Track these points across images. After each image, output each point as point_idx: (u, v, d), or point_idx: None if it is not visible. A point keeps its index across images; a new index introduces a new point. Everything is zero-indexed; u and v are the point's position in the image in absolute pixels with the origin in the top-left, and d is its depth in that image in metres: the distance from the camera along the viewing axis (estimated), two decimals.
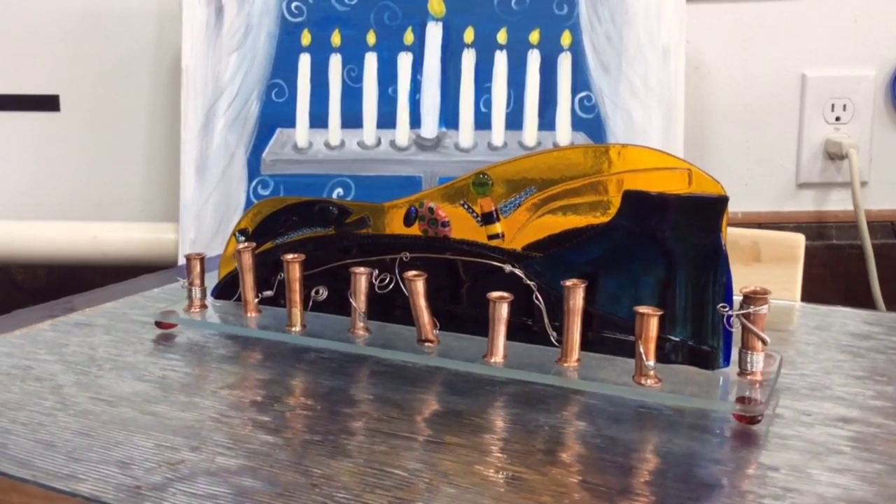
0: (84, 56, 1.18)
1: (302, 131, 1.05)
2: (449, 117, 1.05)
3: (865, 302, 1.09)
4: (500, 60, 1.04)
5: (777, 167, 1.17)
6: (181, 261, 1.03)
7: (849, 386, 0.45)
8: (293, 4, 1.05)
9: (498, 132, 1.04)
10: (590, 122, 1.04)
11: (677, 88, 1.03)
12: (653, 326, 0.42)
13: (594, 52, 1.04)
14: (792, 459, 0.37)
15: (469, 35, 1.05)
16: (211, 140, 1.04)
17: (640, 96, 1.03)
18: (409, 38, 1.05)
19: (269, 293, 0.53)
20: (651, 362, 0.42)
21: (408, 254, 0.50)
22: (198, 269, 0.54)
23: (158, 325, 0.54)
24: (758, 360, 0.42)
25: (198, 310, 0.55)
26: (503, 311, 0.45)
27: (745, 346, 0.42)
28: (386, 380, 0.46)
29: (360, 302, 0.50)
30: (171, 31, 1.15)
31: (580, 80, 1.04)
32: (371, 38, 1.05)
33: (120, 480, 0.35)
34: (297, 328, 0.51)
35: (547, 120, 1.04)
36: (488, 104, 1.04)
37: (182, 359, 0.50)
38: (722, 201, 0.43)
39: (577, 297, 0.44)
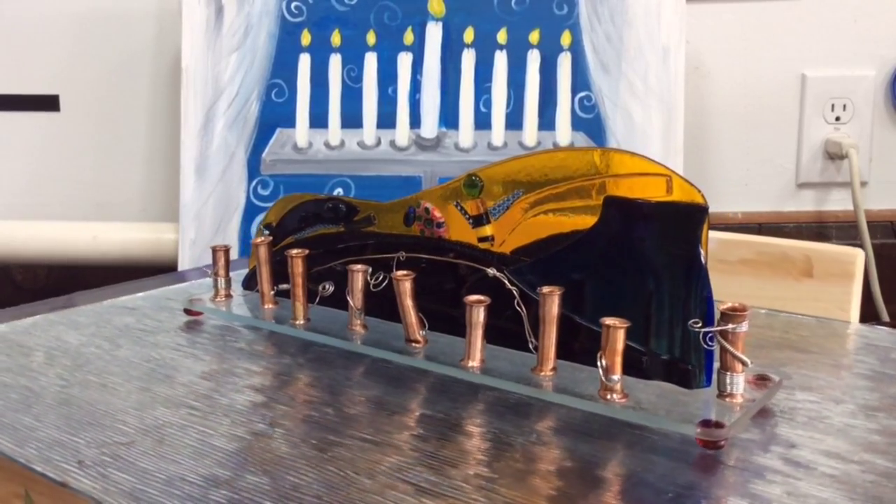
0: (84, 56, 1.18)
1: (302, 131, 1.05)
2: (449, 117, 1.05)
3: (865, 302, 1.09)
4: (500, 60, 1.04)
5: (777, 167, 1.17)
6: (181, 261, 1.03)
7: (855, 418, 0.42)
8: (293, 4, 1.05)
9: (498, 132, 1.04)
10: (590, 122, 1.04)
11: (677, 88, 1.03)
12: (618, 339, 0.40)
13: (594, 52, 1.04)
14: (741, 490, 0.34)
15: (469, 35, 1.05)
16: (211, 140, 1.04)
17: (640, 96, 1.03)
18: (409, 38, 1.05)
19: (285, 286, 0.54)
20: (616, 377, 0.40)
21: (404, 253, 0.50)
22: (222, 260, 0.56)
23: (187, 311, 0.57)
24: (738, 382, 0.40)
25: (222, 299, 0.56)
26: (479, 315, 0.44)
27: (724, 367, 0.40)
28: (368, 377, 0.47)
29: (356, 299, 0.50)
30: (171, 31, 1.15)
31: (580, 80, 1.04)
32: (371, 38, 1.05)
33: None
34: (300, 321, 0.52)
35: (547, 120, 1.04)
36: (488, 104, 1.04)
37: (188, 343, 0.52)
38: (700, 210, 0.41)
39: (552, 305, 0.42)
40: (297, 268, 0.52)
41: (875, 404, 0.43)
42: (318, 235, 0.55)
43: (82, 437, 0.39)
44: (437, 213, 0.48)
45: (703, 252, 0.41)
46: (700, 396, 0.41)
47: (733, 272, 0.57)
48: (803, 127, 1.15)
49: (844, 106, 1.14)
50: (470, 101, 1.04)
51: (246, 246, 1.03)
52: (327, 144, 1.05)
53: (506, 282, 0.45)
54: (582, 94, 1.04)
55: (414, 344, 0.48)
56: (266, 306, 0.55)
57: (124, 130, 1.19)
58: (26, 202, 1.21)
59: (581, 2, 1.04)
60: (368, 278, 0.50)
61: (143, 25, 1.17)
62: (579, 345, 0.44)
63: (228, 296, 0.57)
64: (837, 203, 1.17)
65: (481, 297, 0.44)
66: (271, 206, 0.58)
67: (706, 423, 0.38)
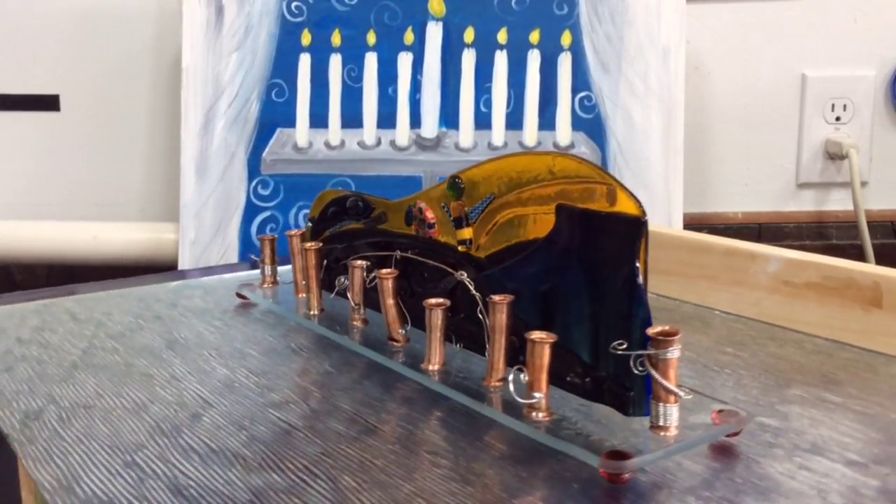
0: (84, 56, 1.18)
1: (302, 131, 1.05)
2: (449, 117, 1.05)
3: None
4: (500, 60, 1.04)
5: (777, 167, 1.17)
6: (181, 261, 1.03)
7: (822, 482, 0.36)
8: (293, 4, 1.05)
9: (498, 132, 1.04)
10: (590, 122, 1.04)
11: (677, 88, 1.03)
12: (542, 355, 0.37)
13: (594, 52, 1.04)
14: None
15: (469, 35, 1.05)
16: (211, 140, 1.04)
17: (640, 96, 1.03)
18: (409, 38, 1.05)
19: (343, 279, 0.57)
20: (538, 394, 0.38)
21: (400, 252, 0.50)
22: (268, 250, 0.60)
23: (239, 295, 0.61)
24: (670, 414, 0.36)
25: (268, 286, 0.61)
26: (438, 318, 0.44)
27: (655, 396, 0.36)
28: (349, 370, 0.48)
29: (354, 294, 0.51)
30: (171, 31, 1.15)
31: (580, 80, 1.04)
32: (371, 38, 1.05)
33: None
34: (314, 312, 0.55)
35: (547, 120, 1.04)
36: (488, 104, 1.04)
37: (221, 321, 0.57)
38: (637, 224, 0.37)
39: (499, 314, 0.41)
40: (311, 260, 0.54)
41: (859, 460, 0.36)
42: (345, 230, 0.57)
43: None
44: (429, 214, 0.48)
45: (640, 269, 0.37)
46: (632, 425, 0.37)
47: (799, 296, 0.53)
48: (803, 127, 1.15)
49: (844, 106, 1.14)
50: (470, 101, 1.05)
51: (246, 246, 1.03)
52: (327, 144, 1.05)
53: (471, 288, 0.44)
54: (582, 94, 1.04)
55: (393, 342, 0.48)
56: (300, 295, 0.58)
57: (124, 130, 1.19)
58: (26, 202, 1.21)
59: (581, 2, 1.04)
60: (365, 274, 0.50)
61: (143, 25, 1.17)
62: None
63: (274, 283, 0.61)
64: (837, 203, 1.17)
65: (441, 300, 0.44)
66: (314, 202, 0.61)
67: (611, 455, 0.35)
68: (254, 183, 1.04)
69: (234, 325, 0.56)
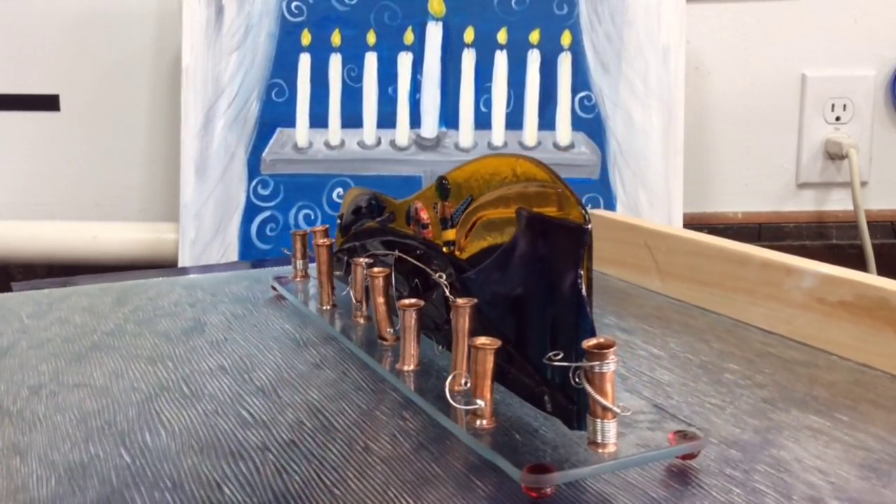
0: (84, 56, 1.18)
1: (302, 131, 1.05)
2: (449, 117, 1.05)
3: None
4: (500, 60, 1.04)
5: (777, 167, 1.17)
6: (181, 261, 1.03)
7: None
8: (293, 4, 1.05)
9: (498, 132, 1.04)
10: (590, 122, 1.04)
11: (677, 88, 1.03)
12: (484, 361, 0.37)
13: (594, 52, 1.04)
14: None
15: (469, 35, 1.05)
16: (211, 140, 1.04)
17: (640, 96, 1.03)
18: (409, 37, 1.05)
19: (338, 273, 0.58)
20: (480, 401, 0.37)
21: (398, 252, 0.50)
22: (299, 244, 0.62)
23: (273, 288, 0.63)
24: (607, 430, 0.35)
25: (299, 279, 0.62)
26: (411, 319, 0.43)
27: (591, 411, 0.35)
28: (337, 365, 0.48)
29: (356, 291, 0.52)
30: (171, 31, 1.15)
31: (580, 80, 1.04)
32: (371, 38, 1.05)
33: None
34: (326, 307, 0.56)
35: (547, 120, 1.04)
36: (488, 104, 1.04)
37: (248, 310, 0.59)
38: (580, 232, 0.36)
39: (461, 318, 0.40)
40: (322, 256, 0.55)
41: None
42: (364, 229, 0.58)
43: None
44: (424, 215, 0.49)
45: (582, 278, 0.36)
46: (571, 438, 0.36)
47: (832, 315, 0.49)
48: (803, 127, 1.15)
49: (844, 106, 1.14)
50: (470, 101, 1.05)
51: (246, 246, 1.03)
52: (327, 144, 1.05)
53: (445, 290, 0.44)
54: (582, 94, 1.04)
55: (382, 340, 0.48)
56: (322, 289, 0.59)
57: (124, 130, 1.19)
58: (26, 202, 1.21)
59: (581, 2, 1.04)
60: (365, 272, 0.51)
61: (143, 25, 1.17)
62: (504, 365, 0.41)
63: (305, 276, 0.62)
64: (837, 203, 1.17)
65: (414, 301, 0.43)
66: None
67: (533, 468, 0.33)
68: (254, 183, 1.04)
69: (256, 313, 0.58)
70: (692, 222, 1.16)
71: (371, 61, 1.05)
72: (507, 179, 0.41)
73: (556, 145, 1.04)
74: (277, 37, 1.05)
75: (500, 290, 0.41)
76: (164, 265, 1.09)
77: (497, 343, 0.37)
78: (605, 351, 0.34)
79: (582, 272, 0.36)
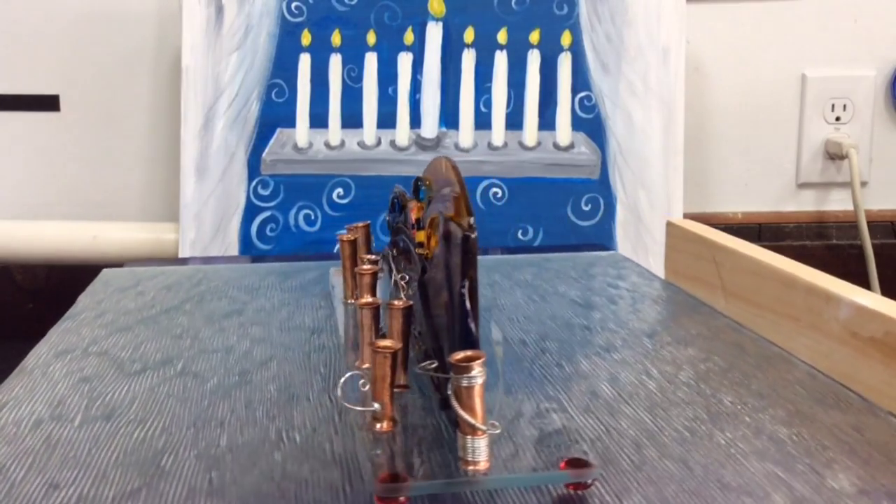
0: (84, 56, 1.18)
1: (302, 131, 1.05)
2: (449, 117, 1.05)
3: None
4: (500, 60, 1.04)
5: (777, 167, 1.17)
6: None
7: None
8: (293, 4, 1.05)
9: (498, 132, 1.04)
10: (590, 122, 1.04)
11: (677, 88, 1.03)
12: (381, 364, 0.36)
13: (594, 52, 1.04)
14: None
15: (469, 35, 1.05)
16: (211, 140, 1.04)
17: (640, 96, 1.03)
18: (409, 38, 1.05)
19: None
20: (376, 404, 0.36)
21: (385, 250, 0.51)
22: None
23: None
24: (476, 447, 0.33)
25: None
26: (367, 318, 0.43)
27: (460, 427, 0.33)
28: (327, 353, 0.50)
29: (347, 288, 0.54)
30: (171, 31, 1.15)
31: (580, 80, 1.04)
32: (371, 38, 1.05)
33: None
34: (349, 301, 0.57)
35: (547, 120, 1.04)
36: (488, 104, 1.04)
37: (294, 298, 0.62)
38: (464, 239, 0.35)
39: (394, 320, 0.40)
40: (345, 251, 0.56)
41: None
42: (395, 227, 0.59)
43: None
44: (413, 215, 0.49)
45: (465, 287, 0.35)
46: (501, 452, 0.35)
47: (863, 353, 0.44)
48: (803, 127, 1.15)
49: (844, 106, 1.14)
50: (470, 101, 1.05)
51: (246, 246, 1.03)
52: (327, 144, 1.05)
53: (402, 291, 0.44)
54: (582, 94, 1.04)
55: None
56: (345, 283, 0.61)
57: (124, 130, 1.19)
58: (26, 202, 1.21)
59: (581, 2, 1.04)
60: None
61: (143, 25, 1.17)
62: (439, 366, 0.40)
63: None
64: (837, 203, 1.17)
65: (371, 300, 0.43)
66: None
67: (387, 477, 0.33)
68: (254, 183, 1.04)
69: (298, 302, 0.61)
70: None
71: (371, 61, 1.05)
72: (441, 181, 0.42)
73: (556, 145, 1.04)
74: (277, 37, 1.05)
75: (432, 294, 0.41)
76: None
77: (396, 347, 0.36)
78: (469, 364, 0.32)
79: (466, 282, 0.34)
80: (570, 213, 1.02)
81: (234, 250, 1.03)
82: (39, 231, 1.13)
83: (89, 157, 1.20)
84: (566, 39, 1.04)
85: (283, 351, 0.51)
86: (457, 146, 1.04)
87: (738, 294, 0.58)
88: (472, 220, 0.35)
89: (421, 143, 1.05)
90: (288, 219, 1.04)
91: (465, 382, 0.33)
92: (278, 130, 1.05)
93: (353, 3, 1.05)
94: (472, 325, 0.34)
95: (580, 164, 1.03)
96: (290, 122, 1.05)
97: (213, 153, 1.04)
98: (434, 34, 1.05)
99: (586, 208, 1.02)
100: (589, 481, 0.34)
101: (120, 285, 0.65)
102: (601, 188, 1.03)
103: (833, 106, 1.14)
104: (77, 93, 1.19)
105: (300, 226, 1.03)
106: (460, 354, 0.33)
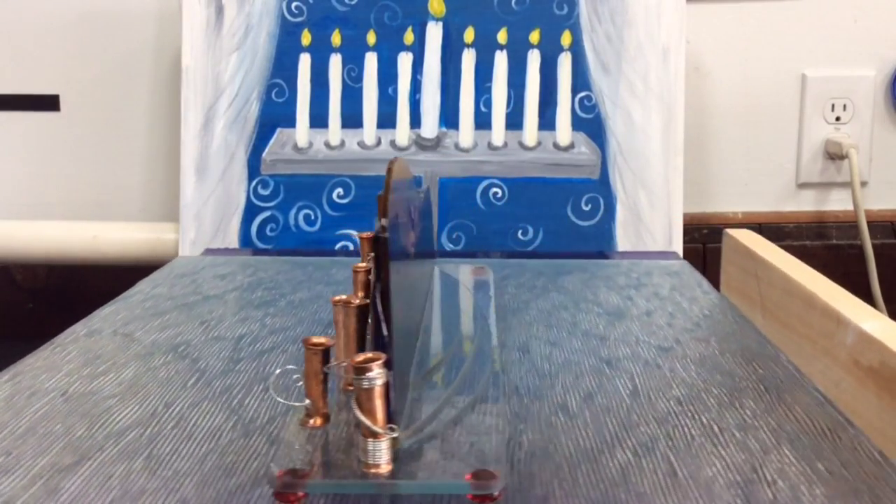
0: (84, 56, 1.18)
1: (302, 131, 1.05)
2: (449, 117, 1.05)
3: (865, 302, 1.09)
4: (501, 60, 1.04)
5: (777, 167, 1.17)
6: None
7: None
8: (293, 4, 1.05)
9: (498, 132, 1.04)
10: (590, 122, 1.04)
11: (677, 88, 1.03)
12: (310, 361, 0.36)
13: (594, 52, 1.04)
14: None
15: (469, 35, 1.05)
16: (211, 140, 1.04)
17: (640, 96, 1.03)
18: (409, 38, 1.05)
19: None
20: (307, 400, 0.37)
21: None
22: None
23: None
24: (377, 450, 0.33)
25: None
26: (339, 314, 0.43)
27: (362, 430, 0.33)
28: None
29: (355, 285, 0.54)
30: (171, 31, 1.15)
31: (580, 80, 1.04)
32: (371, 38, 1.05)
33: None
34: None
35: (547, 120, 1.04)
36: (488, 104, 1.04)
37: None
38: (374, 241, 0.35)
39: (349, 317, 0.40)
40: (364, 249, 0.57)
41: None
42: None
43: None
44: (414, 213, 0.49)
45: (378, 288, 0.35)
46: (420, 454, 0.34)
47: (862, 385, 0.40)
48: (803, 127, 1.15)
49: (844, 106, 1.14)
50: (470, 101, 1.05)
51: (246, 246, 1.03)
52: (327, 144, 1.05)
53: (371, 285, 0.44)
54: (582, 94, 1.04)
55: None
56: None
57: (124, 130, 1.19)
58: (26, 202, 1.21)
59: (581, 2, 1.04)
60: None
61: (143, 25, 1.17)
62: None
63: None
64: (837, 203, 1.17)
65: (344, 297, 0.43)
66: None
67: (281, 474, 0.33)
68: (254, 183, 1.04)
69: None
70: (692, 222, 1.16)
71: (371, 61, 1.05)
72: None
73: (556, 145, 1.04)
74: (277, 37, 1.05)
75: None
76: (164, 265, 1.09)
77: (327, 344, 0.36)
78: (367, 366, 0.32)
79: (379, 283, 0.34)
80: (570, 213, 1.02)
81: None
82: (39, 231, 1.13)
83: (89, 157, 1.20)
84: (566, 39, 1.04)
85: (288, 343, 0.51)
86: (457, 146, 1.04)
87: (772, 311, 0.53)
88: (384, 221, 0.35)
89: (421, 143, 1.05)
90: (288, 219, 1.04)
91: (364, 384, 0.32)
92: (278, 130, 1.05)
93: (353, 3, 1.05)
94: (384, 327, 0.34)
95: (580, 164, 1.03)
96: (290, 122, 1.05)
97: (213, 153, 1.04)
98: (434, 34, 1.05)
99: (586, 208, 1.02)
100: (495, 493, 0.33)
101: (182, 272, 0.68)
102: (601, 188, 1.03)
103: (833, 106, 1.14)
104: (77, 93, 1.19)
105: (300, 226, 1.03)
106: (361, 356, 0.33)
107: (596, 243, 1.00)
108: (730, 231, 0.63)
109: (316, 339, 0.36)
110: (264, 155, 1.04)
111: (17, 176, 1.20)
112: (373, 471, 0.33)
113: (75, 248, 1.12)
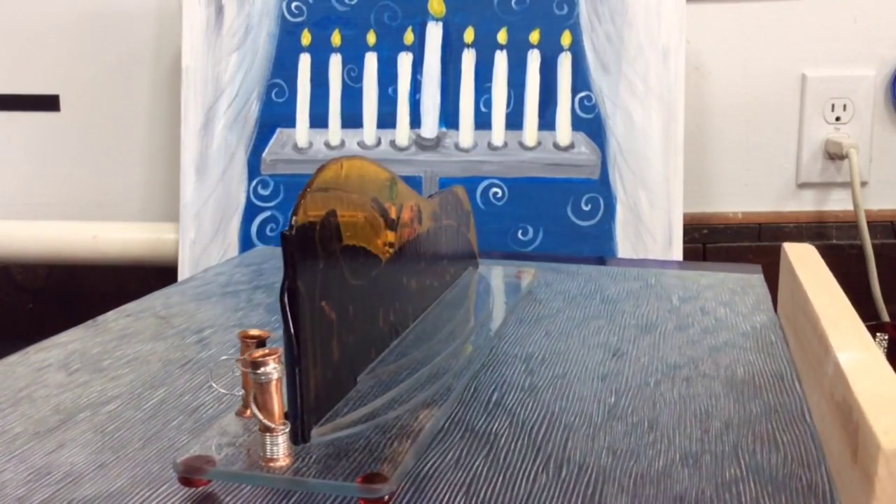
0: (84, 56, 1.18)
1: (302, 131, 1.05)
2: (449, 117, 1.05)
3: (865, 302, 1.09)
4: (500, 60, 1.04)
5: (777, 167, 1.17)
6: (181, 261, 1.03)
7: None
8: (293, 4, 1.05)
9: (498, 132, 1.04)
10: (590, 122, 1.04)
11: (677, 88, 1.03)
12: (246, 353, 0.36)
13: (594, 52, 1.04)
14: None
15: (469, 35, 1.05)
16: (211, 140, 1.04)
17: (640, 96, 1.03)
18: (409, 38, 1.05)
19: None
20: (240, 391, 0.37)
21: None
22: None
23: None
24: (273, 445, 0.33)
25: None
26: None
27: (260, 425, 0.33)
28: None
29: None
30: (171, 31, 1.15)
31: (580, 80, 1.04)
32: (371, 38, 1.05)
33: None
34: None
35: (547, 120, 1.04)
36: (488, 104, 1.04)
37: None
38: (280, 237, 0.35)
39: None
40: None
41: None
42: None
43: None
44: (403, 213, 0.49)
45: (286, 285, 0.34)
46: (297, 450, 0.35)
47: (830, 423, 0.37)
48: (803, 127, 1.15)
49: (844, 106, 1.14)
50: (470, 101, 1.05)
51: (246, 246, 1.03)
52: (327, 144, 1.05)
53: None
54: (582, 94, 1.04)
55: None
56: None
57: (124, 130, 1.19)
58: (26, 202, 1.21)
59: (581, 2, 1.04)
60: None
61: (143, 25, 1.17)
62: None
63: None
64: (837, 203, 1.17)
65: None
66: None
67: (185, 461, 0.33)
68: (254, 183, 1.04)
69: None
70: (692, 222, 1.16)
71: (371, 61, 1.05)
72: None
73: (556, 145, 1.04)
74: (277, 37, 1.05)
75: None
76: (164, 265, 1.09)
77: (262, 336, 0.36)
78: (261, 360, 0.33)
79: (287, 283, 0.34)
80: (570, 213, 1.02)
81: (233, 250, 1.03)
82: (39, 231, 1.13)
83: (89, 157, 1.20)
84: (566, 39, 1.04)
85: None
86: (457, 146, 1.04)
87: (798, 333, 0.50)
88: (294, 218, 0.35)
89: (421, 143, 1.05)
90: (288, 219, 1.04)
91: (262, 378, 0.33)
92: (278, 130, 1.05)
93: (353, 3, 1.05)
94: (291, 327, 0.34)
95: (580, 164, 1.03)
96: (290, 122, 1.05)
97: (213, 153, 1.04)
98: (434, 34, 1.05)
99: (586, 208, 1.02)
100: (385, 497, 0.32)
101: (247, 262, 0.69)
102: (601, 188, 1.03)
103: (833, 106, 1.14)
104: (77, 93, 1.19)
105: None
106: (259, 351, 0.33)
107: (596, 243, 1.01)
108: (785, 245, 0.59)
109: (252, 332, 0.37)
110: (264, 155, 1.04)
111: (17, 176, 1.20)
112: (270, 465, 0.33)
113: (75, 248, 1.12)
